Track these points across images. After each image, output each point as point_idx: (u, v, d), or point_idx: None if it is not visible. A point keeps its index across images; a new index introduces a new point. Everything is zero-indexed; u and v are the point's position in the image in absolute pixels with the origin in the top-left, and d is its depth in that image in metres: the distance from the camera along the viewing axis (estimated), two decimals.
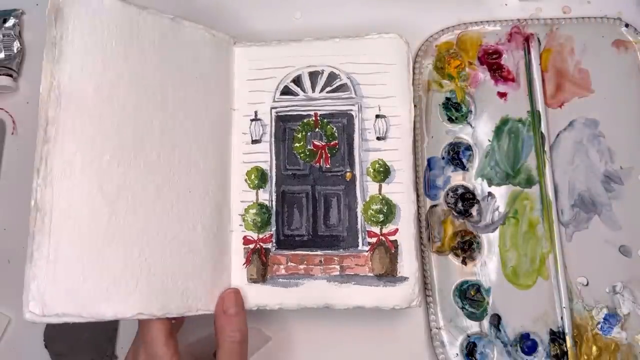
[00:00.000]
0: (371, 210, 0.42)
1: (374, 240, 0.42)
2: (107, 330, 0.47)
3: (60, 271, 0.34)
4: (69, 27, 0.36)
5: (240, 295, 0.41)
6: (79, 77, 0.36)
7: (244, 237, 0.43)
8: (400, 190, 0.42)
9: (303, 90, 0.45)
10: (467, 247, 0.45)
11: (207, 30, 0.44)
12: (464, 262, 0.45)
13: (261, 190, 0.44)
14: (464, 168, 0.47)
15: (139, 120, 0.38)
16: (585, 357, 0.43)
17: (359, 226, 0.43)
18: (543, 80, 0.48)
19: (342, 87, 0.45)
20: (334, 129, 0.44)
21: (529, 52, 0.48)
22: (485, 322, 0.44)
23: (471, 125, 0.47)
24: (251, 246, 0.43)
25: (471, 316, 0.44)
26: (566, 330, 0.43)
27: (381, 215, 0.42)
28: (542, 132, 0.47)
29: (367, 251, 0.42)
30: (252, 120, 0.45)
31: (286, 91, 0.45)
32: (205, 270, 0.40)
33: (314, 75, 0.45)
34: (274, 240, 0.43)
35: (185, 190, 0.40)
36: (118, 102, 0.38)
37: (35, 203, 0.34)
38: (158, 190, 0.38)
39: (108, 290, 0.35)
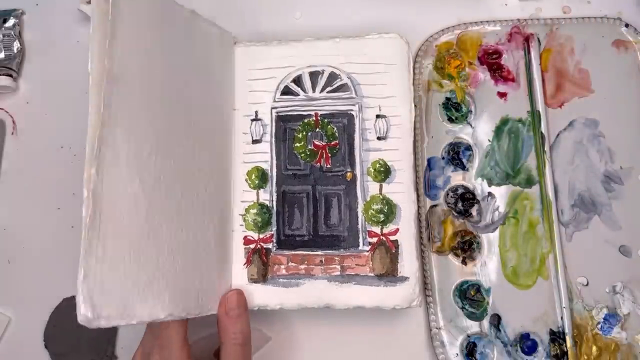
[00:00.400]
0: (372, 210, 0.42)
1: (374, 240, 0.42)
2: (107, 330, 0.47)
3: (106, 270, 0.31)
4: (120, 5, 0.34)
5: (243, 296, 0.40)
6: (128, 59, 0.34)
7: (245, 237, 0.43)
8: (401, 190, 0.43)
9: (303, 90, 0.45)
10: (467, 247, 0.45)
11: (217, 27, 0.43)
12: (464, 262, 0.45)
13: (262, 190, 0.44)
14: (464, 168, 0.47)
15: (168, 112, 0.37)
16: (585, 357, 0.43)
17: (359, 226, 0.43)
18: (543, 80, 0.48)
19: (342, 87, 0.45)
20: (335, 129, 0.44)
21: (529, 52, 0.48)
22: (485, 322, 0.44)
23: (471, 125, 0.47)
24: (252, 246, 0.43)
25: (471, 316, 0.44)
26: (566, 330, 0.43)
27: (382, 215, 0.42)
28: (542, 132, 0.47)
29: (367, 251, 0.42)
30: (252, 120, 0.45)
31: (286, 91, 0.45)
32: (215, 270, 0.40)
33: (314, 75, 0.45)
34: (274, 240, 0.43)
35: (202, 189, 0.39)
36: (154, 91, 0.36)
37: (89, 195, 0.31)
38: (183, 188, 0.37)
39: (144, 290, 0.33)
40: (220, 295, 0.40)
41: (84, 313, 0.30)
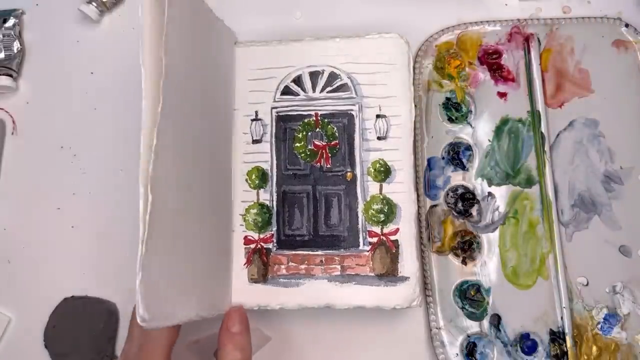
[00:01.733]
0: (372, 210, 0.42)
1: (374, 240, 0.42)
2: (107, 330, 0.47)
3: (157, 270, 0.30)
4: (165, 10, 0.32)
5: (244, 313, 0.39)
6: (172, 55, 0.33)
7: (245, 237, 0.43)
8: (401, 189, 0.43)
9: (303, 90, 0.45)
10: (467, 247, 0.45)
11: (224, 24, 0.43)
12: (464, 262, 0.45)
13: (262, 190, 0.44)
14: (464, 168, 0.47)
15: (184, 114, 0.35)
16: (585, 357, 0.43)
17: (359, 226, 0.43)
18: (543, 80, 0.48)
19: (342, 87, 0.45)
20: (335, 128, 0.44)
21: (529, 52, 0.48)
22: (485, 322, 0.44)
23: (471, 125, 0.48)
24: (252, 246, 0.43)
25: (471, 316, 0.44)
26: (566, 330, 0.43)
27: (382, 215, 0.42)
28: (542, 132, 0.47)
29: (368, 251, 0.42)
30: (252, 120, 0.45)
31: (287, 91, 0.45)
32: (220, 270, 0.40)
33: (314, 75, 0.45)
34: (274, 240, 0.43)
35: (209, 189, 0.39)
36: (185, 89, 0.35)
37: (146, 190, 0.29)
38: (201, 189, 0.37)
39: (183, 290, 0.33)
40: (221, 296, 0.40)
41: (142, 314, 0.28)
